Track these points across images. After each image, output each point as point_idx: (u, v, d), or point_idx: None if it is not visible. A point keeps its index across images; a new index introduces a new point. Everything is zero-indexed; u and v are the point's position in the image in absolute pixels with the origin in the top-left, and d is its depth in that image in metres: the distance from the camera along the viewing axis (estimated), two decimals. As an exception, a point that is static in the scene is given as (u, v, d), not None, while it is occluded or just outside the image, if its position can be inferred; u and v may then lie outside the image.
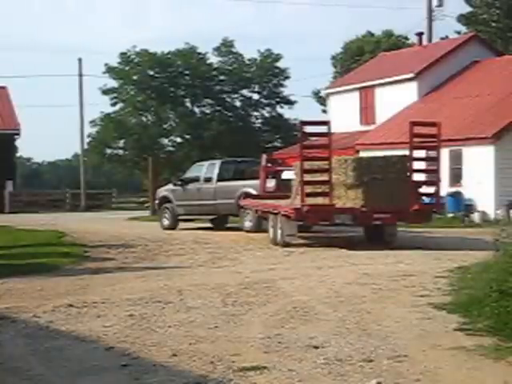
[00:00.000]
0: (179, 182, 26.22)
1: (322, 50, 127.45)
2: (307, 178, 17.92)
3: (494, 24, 50.15)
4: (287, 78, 60.32)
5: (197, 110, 59.60)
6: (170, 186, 26.84)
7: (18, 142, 47.08)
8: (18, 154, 52.65)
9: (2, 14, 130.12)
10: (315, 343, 7.63)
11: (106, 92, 57.55)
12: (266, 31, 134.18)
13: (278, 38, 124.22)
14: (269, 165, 23.46)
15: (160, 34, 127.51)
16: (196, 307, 9.82)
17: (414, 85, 35.66)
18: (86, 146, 53.44)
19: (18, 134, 45.40)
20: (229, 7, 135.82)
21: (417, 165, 18.52)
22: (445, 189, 24.81)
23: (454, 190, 28.18)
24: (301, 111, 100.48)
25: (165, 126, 58.81)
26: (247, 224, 23.33)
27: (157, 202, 27.03)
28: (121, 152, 59.05)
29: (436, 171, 18.77)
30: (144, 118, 58.81)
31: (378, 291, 10.83)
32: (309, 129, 19.13)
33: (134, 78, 57.36)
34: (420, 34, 41.52)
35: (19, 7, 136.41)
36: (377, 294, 10.58)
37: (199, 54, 58.51)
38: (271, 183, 23.01)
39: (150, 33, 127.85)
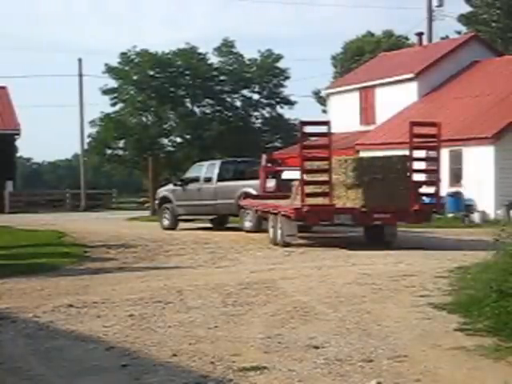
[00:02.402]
0: (179, 182, 26.22)
1: (322, 50, 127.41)
2: (307, 178, 17.92)
3: (494, 24, 50.18)
4: (287, 78, 60.40)
5: (197, 110, 59.62)
6: (170, 186, 26.84)
7: (18, 142, 47.20)
8: (18, 154, 52.66)
9: (3, 14, 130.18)
10: (315, 343, 7.63)
11: (106, 92, 57.56)
12: (266, 31, 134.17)
13: (278, 38, 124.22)
14: (269, 165, 23.47)
15: (162, 37, 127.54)
16: (196, 307, 9.82)
17: (414, 85, 35.67)
18: (86, 146, 53.43)
19: (18, 134, 45.40)
20: (228, 8, 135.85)
21: (417, 165, 18.51)
22: (445, 189, 24.81)
23: (453, 190, 28.18)
24: (301, 111, 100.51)
25: (165, 126, 58.81)
26: (247, 224, 23.33)
27: (157, 202, 27.03)
28: (121, 152, 59.04)
29: (436, 171, 18.77)
30: (144, 118, 58.81)
31: (377, 291, 10.83)
32: (309, 129, 19.13)
33: (134, 78, 57.36)
34: (420, 34, 41.54)
35: (20, 7, 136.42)
36: (377, 294, 10.58)
37: (199, 54, 58.52)
38: (271, 183, 23.01)
39: (151, 35, 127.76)
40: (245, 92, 60.32)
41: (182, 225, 26.00)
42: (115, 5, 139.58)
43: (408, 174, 18.01)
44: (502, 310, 8.05)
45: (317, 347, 7.47)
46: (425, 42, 41.60)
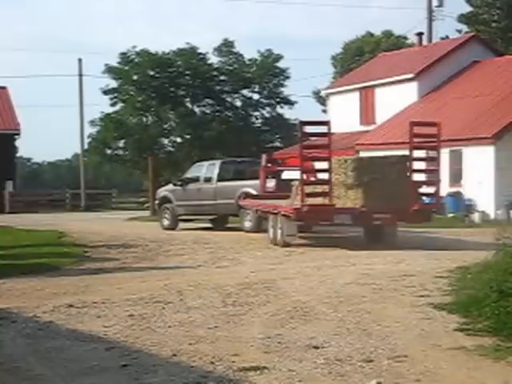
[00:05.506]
0: (179, 182, 26.23)
1: (322, 50, 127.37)
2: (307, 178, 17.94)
3: (494, 24, 50.18)
4: (287, 78, 60.38)
5: (197, 109, 59.57)
6: (170, 186, 26.86)
7: (18, 142, 47.18)
8: (18, 154, 52.60)
9: (3, 14, 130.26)
10: (315, 343, 7.63)
11: (106, 92, 57.54)
12: (266, 31, 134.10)
13: (277, 38, 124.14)
14: (269, 165, 23.47)
15: (162, 38, 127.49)
16: (196, 307, 9.82)
17: (414, 85, 35.68)
18: (86, 146, 53.42)
19: (18, 134, 45.42)
20: (228, 8, 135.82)
21: (417, 165, 18.51)
22: (445, 189, 24.81)
23: (454, 190, 28.20)
24: (301, 111, 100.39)
25: (165, 126, 58.75)
26: (247, 224, 23.33)
27: (157, 202, 27.04)
28: (121, 152, 59.00)
29: (436, 171, 18.77)
30: (144, 118, 58.75)
31: (378, 291, 10.83)
32: (309, 129, 19.12)
33: (134, 77, 57.33)
34: (420, 34, 41.56)
35: (20, 7, 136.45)
36: (377, 294, 10.58)
37: (199, 54, 58.50)
38: (271, 183, 23.01)
39: (152, 36, 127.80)
40: (245, 92, 60.29)
41: (182, 225, 26.00)
42: (115, 5, 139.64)
43: (408, 174, 18.02)
44: (501, 310, 8.05)
45: (317, 347, 7.47)
46: (425, 42, 41.62)
